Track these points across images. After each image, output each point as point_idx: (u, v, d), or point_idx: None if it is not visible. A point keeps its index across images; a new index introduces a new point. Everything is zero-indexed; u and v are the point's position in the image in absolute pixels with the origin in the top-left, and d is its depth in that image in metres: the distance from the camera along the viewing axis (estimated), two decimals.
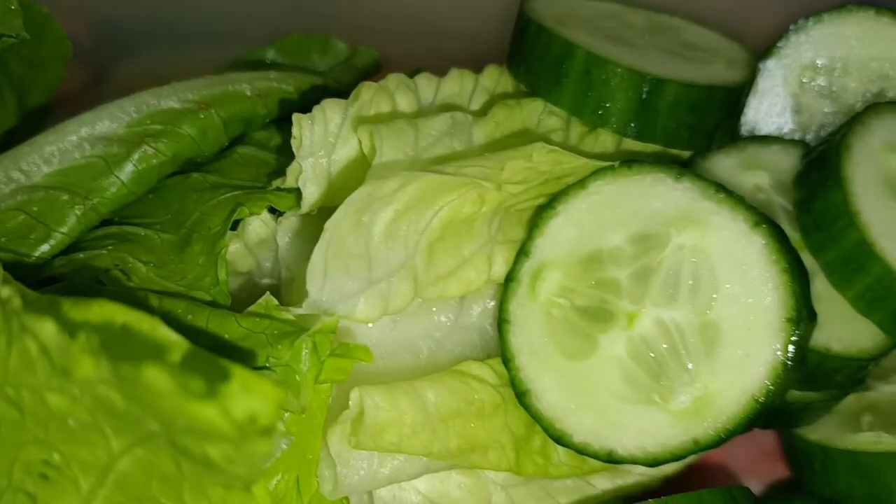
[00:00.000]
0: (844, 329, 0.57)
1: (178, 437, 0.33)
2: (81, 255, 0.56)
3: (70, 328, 0.32)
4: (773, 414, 0.60)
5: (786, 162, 0.64)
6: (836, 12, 0.69)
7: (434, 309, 0.58)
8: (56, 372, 0.32)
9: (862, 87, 0.69)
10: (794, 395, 0.59)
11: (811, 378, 0.58)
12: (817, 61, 0.70)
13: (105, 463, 0.36)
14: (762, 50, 0.70)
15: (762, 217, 0.52)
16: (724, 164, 0.63)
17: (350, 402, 0.49)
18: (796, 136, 0.69)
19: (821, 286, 0.58)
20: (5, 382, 0.34)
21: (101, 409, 0.33)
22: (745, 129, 0.69)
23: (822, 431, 0.62)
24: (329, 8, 0.77)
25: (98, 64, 0.82)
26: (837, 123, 0.67)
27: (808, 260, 0.59)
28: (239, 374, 0.32)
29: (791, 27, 0.70)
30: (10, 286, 0.33)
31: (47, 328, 0.32)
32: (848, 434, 0.61)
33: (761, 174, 0.63)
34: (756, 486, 0.67)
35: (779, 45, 0.70)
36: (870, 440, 0.59)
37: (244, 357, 0.44)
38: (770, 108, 0.70)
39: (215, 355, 0.34)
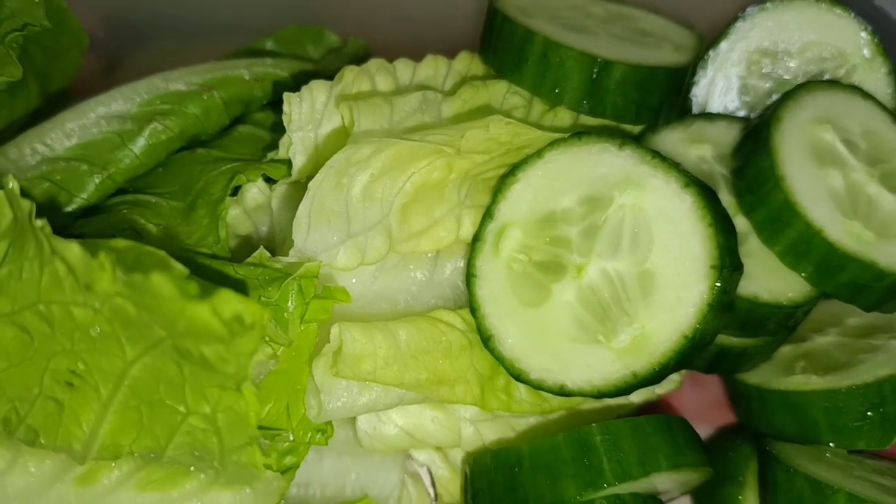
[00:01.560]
0: (774, 281, 0.64)
1: (180, 340, 0.40)
2: (98, 218, 0.64)
3: (92, 250, 0.39)
4: (714, 358, 0.68)
5: (729, 136, 0.71)
6: (778, 1, 0.76)
7: (411, 266, 0.66)
8: (80, 288, 0.40)
9: (802, 69, 0.76)
10: (732, 340, 0.67)
11: (745, 325, 0.65)
12: (762, 46, 0.77)
13: (121, 370, 0.43)
14: (714, 36, 0.77)
15: (691, 178, 0.59)
16: (672, 137, 0.70)
17: (331, 336, 0.56)
18: (742, 114, 0.76)
19: (754, 244, 0.65)
20: (38, 300, 0.42)
21: (117, 318, 0.41)
22: (696, 109, 0.77)
23: (760, 376, 0.69)
24: (322, 3, 0.84)
25: (112, 54, 0.89)
26: None
27: (742, 221, 0.66)
28: (227, 290, 0.40)
29: (739, 15, 0.77)
30: (42, 218, 0.41)
31: (73, 249, 0.39)
32: (782, 377, 0.68)
33: (705, 147, 0.70)
34: (706, 430, 0.74)
35: (727, 31, 0.77)
36: (800, 381, 0.66)
37: (238, 291, 0.52)
38: (719, 90, 0.77)
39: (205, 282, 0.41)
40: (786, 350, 0.71)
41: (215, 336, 0.39)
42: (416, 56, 0.75)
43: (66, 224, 0.65)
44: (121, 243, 0.42)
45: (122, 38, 0.88)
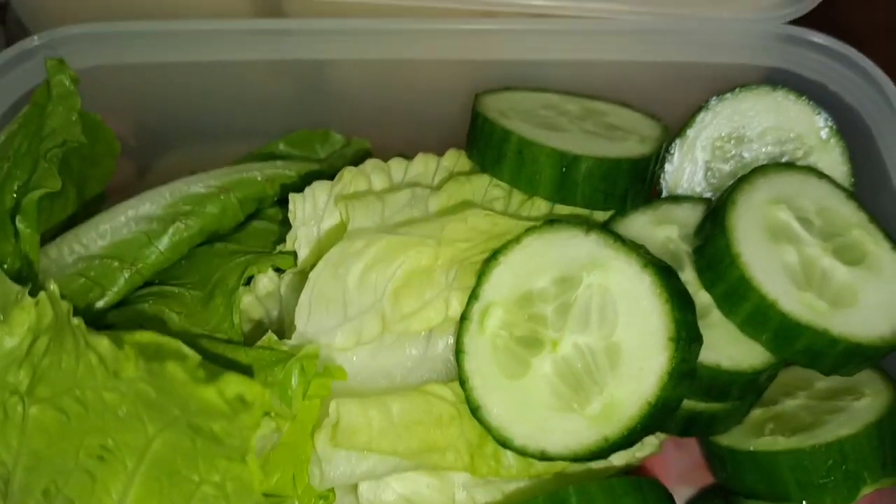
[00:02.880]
0: (735, 349, 0.70)
1: (192, 418, 0.48)
2: (128, 308, 0.73)
3: (118, 343, 0.47)
4: (686, 423, 0.74)
5: (693, 216, 0.78)
6: (737, 90, 0.84)
7: (406, 344, 0.73)
8: (109, 375, 0.48)
9: (763, 151, 0.83)
10: (701, 405, 0.72)
11: (710, 391, 0.71)
12: (724, 132, 0.84)
13: (144, 445, 0.51)
14: (680, 125, 0.85)
15: (649, 259, 0.66)
16: (640, 220, 0.77)
17: (329, 411, 0.63)
18: (708, 195, 0.83)
19: (716, 316, 0.71)
20: (74, 386, 0.49)
21: (140, 400, 0.48)
22: (665, 192, 0.84)
23: (732, 438, 0.74)
24: (329, 107, 0.94)
25: (141, 158, 0.99)
26: None
27: (705, 296, 0.73)
28: (232, 373, 0.47)
29: (702, 105, 0.85)
30: (77, 316, 0.49)
31: (104, 343, 0.47)
32: (752, 439, 0.73)
33: (672, 227, 0.77)
34: (689, 491, 0.80)
35: (692, 120, 0.85)
36: (768, 442, 0.72)
37: (246, 374, 0.59)
38: (686, 174, 0.84)
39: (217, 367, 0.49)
40: (757, 413, 0.76)
41: (221, 413, 0.46)
42: (412, 150, 0.83)
43: (100, 314, 0.73)
44: (143, 337, 0.49)
45: (150, 144, 0.97)
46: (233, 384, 0.46)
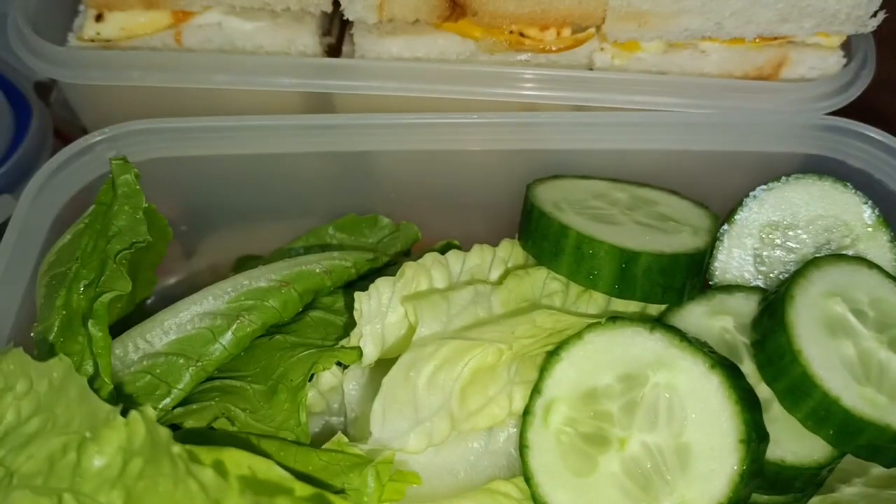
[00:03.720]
0: (798, 444, 0.71)
1: None
2: (194, 406, 0.73)
3: (222, 473, 0.48)
4: None
5: (747, 307, 0.79)
6: (784, 179, 0.85)
7: (468, 438, 0.73)
8: (210, 501, 0.48)
9: (812, 239, 0.85)
10: (763, 498, 0.73)
11: (774, 485, 0.71)
12: (772, 220, 0.86)
13: None
14: (727, 212, 0.87)
15: (716, 359, 0.67)
16: (696, 311, 0.79)
17: None
18: (759, 283, 0.84)
19: (777, 410, 0.73)
20: None
21: None
22: (716, 279, 0.85)
23: None
24: (375, 191, 0.95)
25: (189, 241, 1.01)
26: (793, 270, 0.82)
27: (765, 389, 0.74)
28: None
29: (750, 194, 0.86)
30: (178, 444, 0.50)
31: (208, 473, 0.48)
32: None
33: (727, 318, 0.78)
34: None
35: (740, 208, 0.86)
36: None
37: (326, 485, 0.60)
38: (736, 261, 0.86)
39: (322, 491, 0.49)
40: (814, 501, 0.77)
41: None
42: (458, 233, 0.85)
43: (166, 412, 0.74)
44: (235, 459, 0.50)
45: (198, 227, 0.99)
46: None
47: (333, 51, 0.98)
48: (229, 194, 0.96)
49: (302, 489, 0.48)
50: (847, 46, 0.88)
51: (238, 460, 0.51)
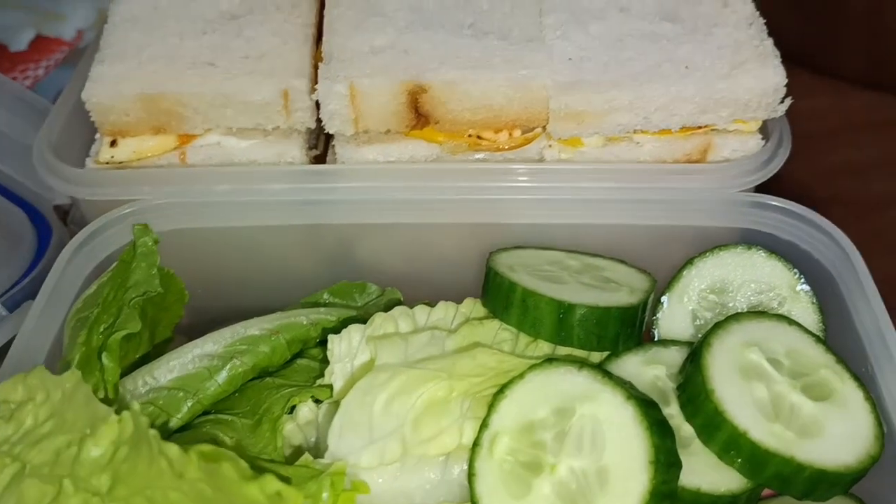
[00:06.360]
0: (714, 475, 0.79)
1: None
2: (189, 433, 0.85)
3: (185, 449, 0.59)
4: None
5: (680, 358, 0.89)
6: (716, 250, 0.97)
7: (426, 468, 0.83)
8: (175, 476, 0.59)
9: (744, 302, 0.95)
10: None
11: None
12: (708, 285, 0.96)
13: None
14: (668, 279, 0.98)
15: (632, 392, 0.77)
16: (632, 361, 0.88)
17: None
18: (695, 341, 0.94)
19: (697, 445, 0.81)
20: (146, 486, 0.61)
21: (199, 498, 0.59)
22: (658, 337, 0.95)
23: None
24: (366, 262, 1.09)
25: (206, 303, 1.14)
26: None
27: (689, 428, 0.83)
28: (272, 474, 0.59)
29: (688, 262, 0.97)
30: (154, 430, 0.62)
31: (173, 449, 0.59)
32: None
33: (660, 367, 0.88)
34: None
35: (680, 274, 0.97)
36: None
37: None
38: (676, 321, 0.96)
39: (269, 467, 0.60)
40: None
41: None
42: (436, 298, 0.97)
43: (166, 437, 0.85)
44: (206, 447, 0.62)
45: (212, 294, 1.12)
46: (273, 482, 0.58)
47: (319, 161, 1.11)
48: (238, 264, 1.10)
49: (244, 464, 0.59)
50: (764, 129, 1.00)
51: (205, 447, 0.62)
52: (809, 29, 1.48)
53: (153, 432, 0.62)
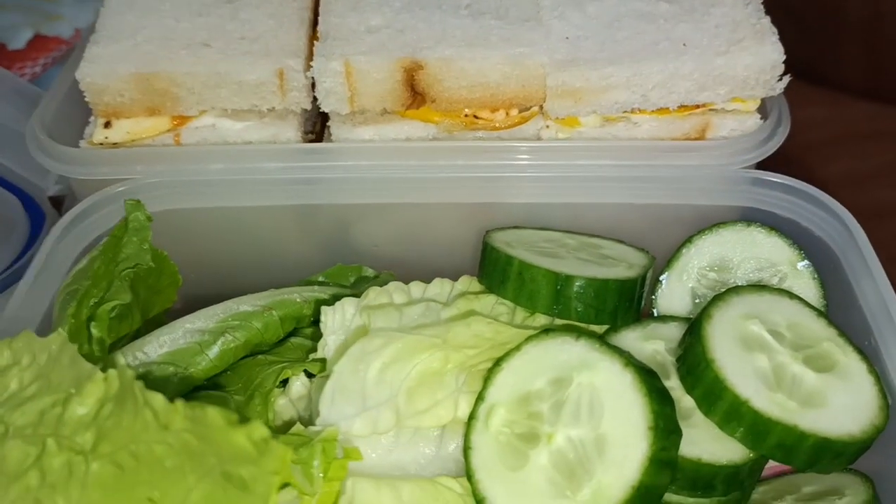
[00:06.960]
0: (715, 445, 0.77)
1: (225, 465, 0.57)
2: None
3: (171, 399, 0.57)
4: None
5: (678, 333, 0.87)
6: (715, 227, 0.95)
7: (421, 443, 0.81)
8: (160, 428, 0.58)
9: (744, 279, 0.94)
10: (689, 501, 0.78)
11: (695, 484, 0.77)
12: (708, 262, 0.95)
13: (184, 495, 0.60)
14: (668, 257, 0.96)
15: (630, 360, 0.75)
16: (631, 336, 0.87)
17: (345, 488, 0.72)
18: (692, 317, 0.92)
19: (698, 417, 0.79)
20: (130, 441, 0.59)
21: (184, 450, 0.57)
22: (658, 313, 0.94)
23: None
24: (362, 244, 1.08)
25: (201, 288, 1.13)
26: None
27: (689, 400, 0.81)
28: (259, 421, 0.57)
29: (687, 240, 0.96)
30: (140, 381, 0.60)
31: (158, 398, 0.58)
32: None
33: (659, 342, 0.86)
34: None
35: (679, 252, 0.96)
36: None
37: None
38: (675, 298, 0.95)
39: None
40: None
41: (249, 457, 0.56)
42: (433, 279, 0.95)
43: None
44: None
45: (207, 276, 1.11)
46: (260, 429, 0.56)
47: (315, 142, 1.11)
48: (232, 246, 1.09)
49: (230, 411, 0.57)
50: (763, 111, 1.00)
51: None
52: (808, 40, 1.49)
53: (139, 383, 0.60)
